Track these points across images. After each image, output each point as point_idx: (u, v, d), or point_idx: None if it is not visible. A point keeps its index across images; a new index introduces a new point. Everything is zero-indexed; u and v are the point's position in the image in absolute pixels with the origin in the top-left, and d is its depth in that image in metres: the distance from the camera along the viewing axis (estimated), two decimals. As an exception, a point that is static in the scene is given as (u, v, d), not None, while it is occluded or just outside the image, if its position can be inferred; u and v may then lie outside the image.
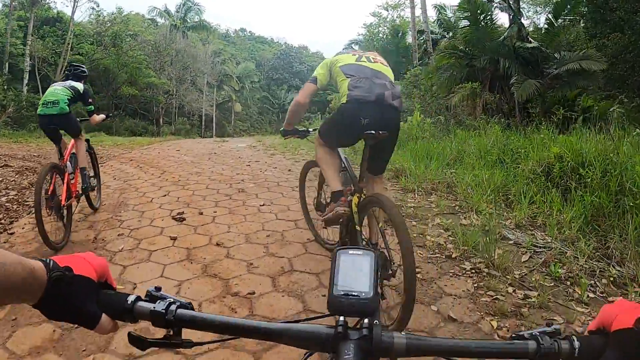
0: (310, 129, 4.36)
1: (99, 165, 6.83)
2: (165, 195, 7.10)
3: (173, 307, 0.83)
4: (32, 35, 27.74)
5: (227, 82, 50.41)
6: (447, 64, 16.59)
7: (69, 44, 29.90)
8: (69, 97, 5.38)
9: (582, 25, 17.29)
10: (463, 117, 14.20)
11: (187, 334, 0.84)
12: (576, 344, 0.81)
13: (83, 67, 6.07)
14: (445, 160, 8.84)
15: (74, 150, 5.59)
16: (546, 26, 16.96)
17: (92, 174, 6.11)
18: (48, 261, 0.79)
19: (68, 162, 5.36)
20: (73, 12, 29.91)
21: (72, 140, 5.63)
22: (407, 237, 2.85)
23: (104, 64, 31.81)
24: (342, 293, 0.81)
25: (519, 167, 7.39)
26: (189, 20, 45.36)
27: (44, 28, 31.56)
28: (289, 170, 9.34)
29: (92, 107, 5.85)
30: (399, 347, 0.79)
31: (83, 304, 0.81)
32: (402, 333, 0.80)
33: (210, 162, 10.57)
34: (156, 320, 0.82)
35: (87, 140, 5.97)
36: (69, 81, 5.66)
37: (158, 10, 44.59)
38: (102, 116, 6.16)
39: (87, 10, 32.32)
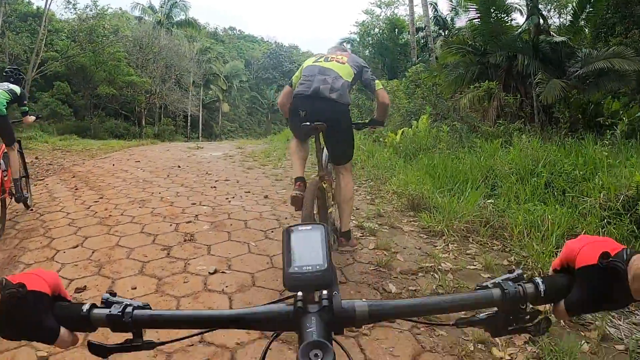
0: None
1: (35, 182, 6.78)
2: (76, 247, 4.66)
3: (129, 309, 0.79)
4: (6, 31, 25.33)
5: (214, 82, 47.94)
6: (454, 61, 14.36)
7: (42, 40, 27.33)
8: (7, 100, 5.62)
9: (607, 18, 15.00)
10: (475, 121, 11.92)
11: (162, 334, 0.83)
12: (541, 285, 0.80)
13: (20, 71, 6.36)
14: (476, 183, 6.50)
15: (5, 150, 5.63)
16: (570, 19, 14.67)
17: (23, 174, 6.27)
18: (1, 279, 0.76)
19: (1, 160, 5.37)
20: (47, 5, 27.28)
21: (3, 146, 5.66)
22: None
23: (80, 61, 29.26)
24: (297, 269, 0.78)
25: (584, 199, 5.21)
26: (174, 17, 42.68)
27: (16, 23, 28.98)
28: (266, 196, 6.95)
29: (27, 109, 6.16)
30: (361, 313, 0.77)
31: (40, 319, 0.78)
32: (363, 300, 0.79)
33: (166, 182, 8.18)
34: (114, 325, 0.79)
35: (19, 141, 6.09)
36: (7, 84, 5.84)
37: (141, 6, 41.85)
38: (33, 117, 6.45)
39: (63, 3, 29.17)
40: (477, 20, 13.64)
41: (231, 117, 56.79)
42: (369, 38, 21.32)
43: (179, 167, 9.94)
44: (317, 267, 0.78)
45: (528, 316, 0.80)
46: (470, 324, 0.84)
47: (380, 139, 12.16)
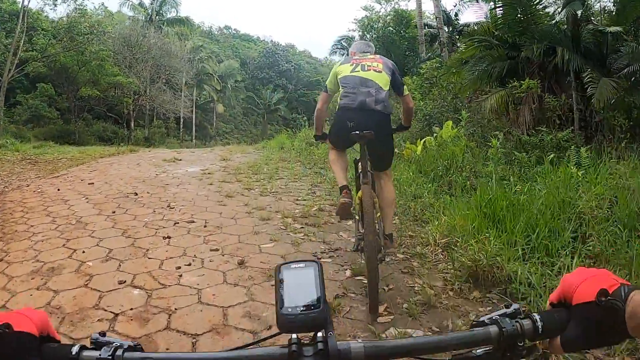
0: None
1: None
2: None
3: (120, 351, 0.76)
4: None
5: (208, 82, 45.45)
6: (476, 55, 12.01)
7: (19, 39, 24.85)
8: None
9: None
10: (506, 129, 9.65)
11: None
12: (538, 321, 0.79)
13: None
14: (564, 237, 4.14)
15: None
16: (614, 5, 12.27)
17: None
18: None
19: None
20: (24, 1, 24.78)
21: None
22: (374, 245, 3.27)
23: (61, 61, 26.80)
24: (290, 310, 0.75)
25: None
26: (164, 14, 40.11)
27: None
28: (241, 262, 4.36)
29: None
30: (356, 354, 0.74)
31: None
32: (359, 340, 0.77)
33: (106, 226, 5.65)
34: None
35: None
36: None
37: (130, 2, 39.24)
38: None
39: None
40: (500, 8, 11.32)
41: (226, 118, 54.44)
42: (373, 32, 18.84)
43: (136, 194, 7.48)
44: (312, 307, 0.75)
45: (525, 351, 0.79)
46: None
47: (396, 150, 9.92)
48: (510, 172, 6.76)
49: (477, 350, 0.81)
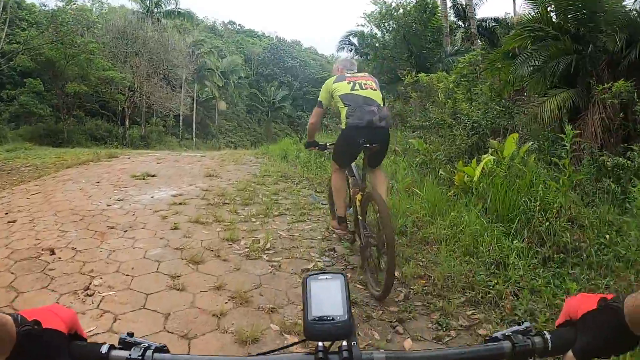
0: (328, 143, 4.96)
1: None
2: None
3: (149, 352, 0.79)
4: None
5: (209, 78, 42.54)
6: (530, 49, 9.30)
7: (1, 29, 22.06)
8: None
9: None
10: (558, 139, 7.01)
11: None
12: (548, 338, 0.82)
13: None
14: None
15: None
16: None
17: None
18: (16, 316, 0.74)
19: None
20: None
21: None
22: (389, 225, 3.61)
23: (47, 54, 23.92)
24: (317, 319, 0.78)
25: None
26: (163, 6, 37.12)
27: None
28: None
29: None
30: None
31: (54, 358, 0.76)
32: (381, 350, 0.79)
33: None
34: None
35: None
36: None
37: (127, -7, 36.33)
38: None
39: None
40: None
41: (229, 115, 51.58)
42: (391, 22, 15.93)
43: (53, 252, 4.60)
44: (338, 317, 0.78)
45: None
46: None
47: (428, 165, 7.35)
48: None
49: None
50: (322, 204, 6.92)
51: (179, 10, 37.17)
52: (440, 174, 7.08)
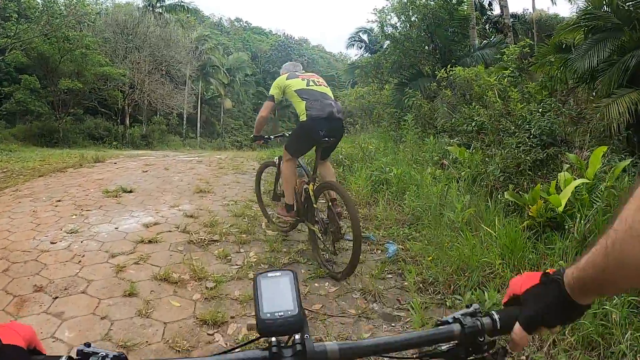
0: (272, 136, 5.27)
1: None
2: None
3: None
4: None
5: (214, 75, 40.52)
6: (592, 40, 7.71)
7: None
8: None
9: None
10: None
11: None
12: (496, 317, 0.85)
13: None
14: None
15: None
16: None
17: None
18: None
19: None
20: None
21: None
22: (353, 206, 3.93)
23: (40, 49, 22.02)
24: (269, 315, 0.77)
25: None
26: (165, 0, 35.05)
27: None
28: None
29: None
30: (332, 354, 0.77)
31: None
32: (333, 341, 0.80)
33: None
34: None
35: None
36: None
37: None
38: None
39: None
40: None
41: (235, 114, 49.63)
42: (411, 13, 13.86)
43: None
44: (289, 312, 0.77)
45: (486, 346, 0.83)
46: (432, 357, 0.85)
47: (478, 181, 5.57)
48: None
49: (443, 347, 0.84)
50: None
51: (182, 3, 35.05)
52: (505, 198, 5.08)
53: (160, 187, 7.89)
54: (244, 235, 5.04)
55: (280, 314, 0.77)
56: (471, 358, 0.83)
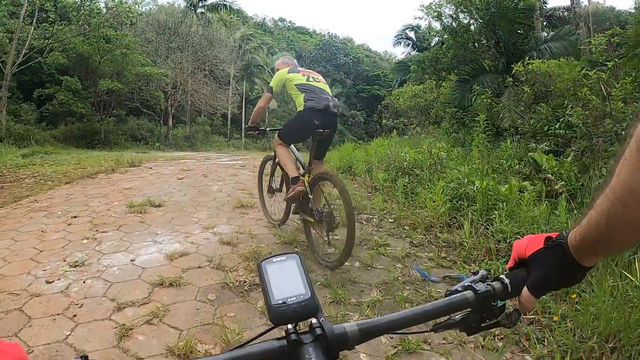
0: (268, 128, 5.45)
1: None
2: None
3: None
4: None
5: (259, 75, 39.56)
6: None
7: (28, 22, 19.73)
8: None
9: None
10: None
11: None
12: (506, 281, 0.84)
13: None
14: None
15: None
16: None
17: None
18: None
19: None
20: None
21: None
22: (348, 197, 3.83)
23: (79, 49, 21.46)
24: (281, 302, 0.73)
25: None
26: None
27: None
28: None
29: None
30: (353, 335, 0.74)
31: None
32: (352, 322, 0.76)
33: None
34: None
35: None
36: None
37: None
38: None
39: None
40: None
41: (280, 114, 48.58)
42: (471, 2, 12.39)
43: None
44: (301, 296, 0.74)
45: (497, 311, 0.83)
46: (447, 327, 0.84)
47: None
48: None
49: (456, 316, 0.83)
50: (431, 281, 3.71)
51: (225, 2, 34.18)
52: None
53: (195, 199, 6.71)
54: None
55: (292, 299, 0.73)
56: (484, 324, 0.83)
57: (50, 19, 20.38)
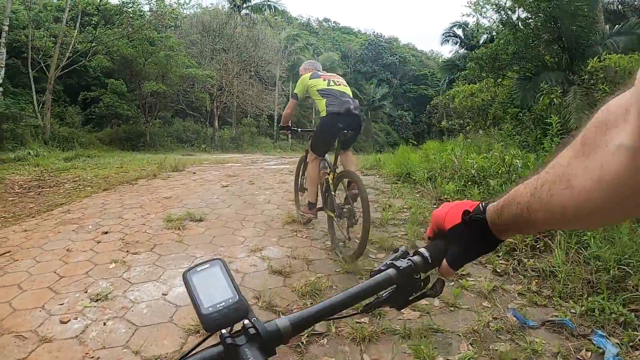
0: (299, 129, 5.65)
1: None
2: None
3: None
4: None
5: (305, 75, 39.06)
6: None
7: (71, 27, 19.69)
8: None
9: None
10: None
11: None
12: (426, 254, 0.86)
13: None
14: None
15: None
16: None
17: None
18: None
19: None
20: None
21: None
22: (365, 193, 3.97)
23: (123, 51, 21.35)
24: (211, 309, 0.71)
25: None
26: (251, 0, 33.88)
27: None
28: None
29: None
30: (285, 330, 0.73)
31: None
32: (282, 317, 0.75)
33: None
34: None
35: None
36: None
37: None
38: None
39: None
40: None
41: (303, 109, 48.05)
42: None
43: None
44: (230, 300, 0.72)
45: (422, 283, 0.84)
46: (376, 306, 0.84)
47: None
48: None
49: (383, 294, 0.83)
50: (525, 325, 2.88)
51: (268, 2, 33.75)
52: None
53: (241, 212, 5.98)
54: (366, 324, 2.97)
55: (222, 304, 0.71)
56: (412, 297, 0.84)
57: (94, 22, 20.32)
